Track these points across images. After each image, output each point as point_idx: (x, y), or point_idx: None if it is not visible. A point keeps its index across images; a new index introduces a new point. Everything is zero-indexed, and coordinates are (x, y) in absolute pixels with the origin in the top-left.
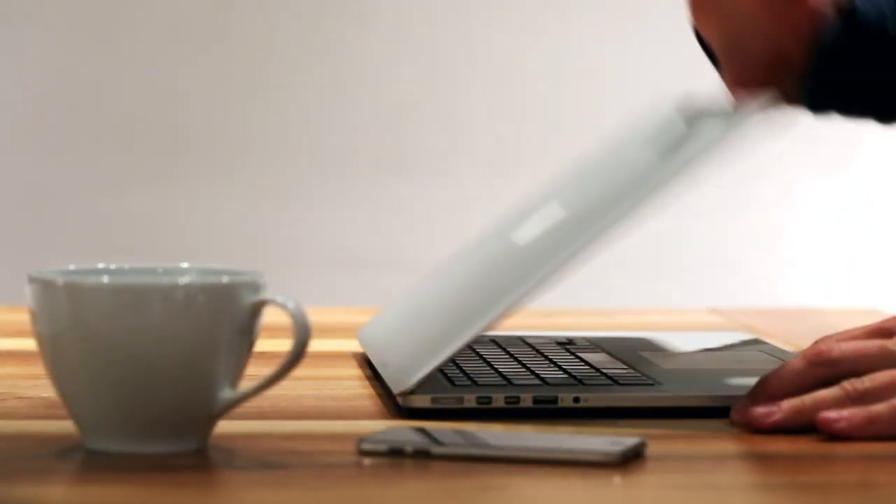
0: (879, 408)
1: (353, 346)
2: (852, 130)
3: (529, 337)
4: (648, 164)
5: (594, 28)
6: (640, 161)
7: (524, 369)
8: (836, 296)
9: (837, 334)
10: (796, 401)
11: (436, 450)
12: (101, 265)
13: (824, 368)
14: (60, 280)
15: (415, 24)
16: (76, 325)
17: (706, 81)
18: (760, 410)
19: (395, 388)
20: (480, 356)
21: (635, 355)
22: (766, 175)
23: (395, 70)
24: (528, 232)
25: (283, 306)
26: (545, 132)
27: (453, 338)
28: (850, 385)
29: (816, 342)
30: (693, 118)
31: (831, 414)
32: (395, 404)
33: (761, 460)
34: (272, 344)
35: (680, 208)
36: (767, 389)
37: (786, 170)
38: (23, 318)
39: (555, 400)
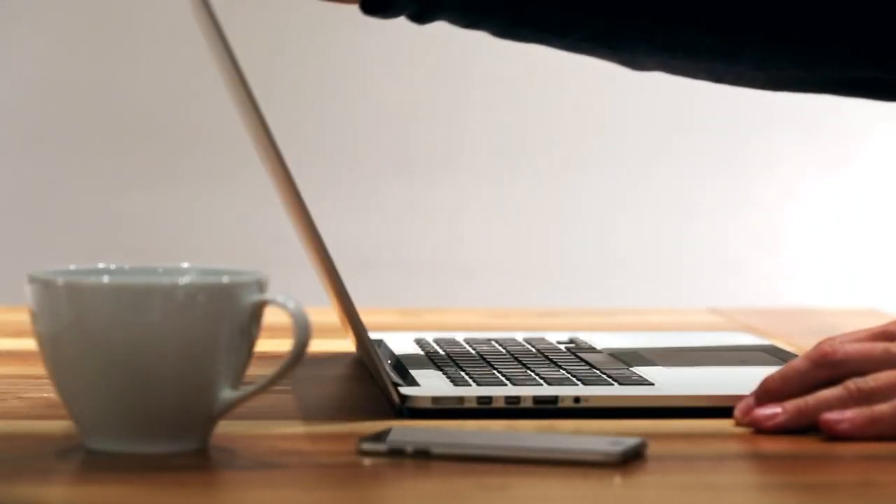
0: (883, 408)
1: (353, 346)
2: (853, 130)
3: (529, 337)
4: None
5: None
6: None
7: (524, 369)
8: (836, 296)
9: (840, 336)
10: (800, 401)
11: (436, 450)
12: (101, 265)
13: (828, 370)
14: (60, 280)
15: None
16: (76, 325)
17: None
18: (764, 412)
19: (393, 401)
20: (480, 356)
21: (635, 355)
22: (766, 175)
23: (396, 70)
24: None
25: (283, 306)
26: (547, 133)
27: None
28: (853, 385)
29: (820, 343)
30: None
31: (833, 415)
32: (394, 404)
33: (761, 460)
34: (272, 344)
35: (680, 208)
36: (770, 390)
37: (786, 170)
38: (23, 318)
39: (555, 400)
